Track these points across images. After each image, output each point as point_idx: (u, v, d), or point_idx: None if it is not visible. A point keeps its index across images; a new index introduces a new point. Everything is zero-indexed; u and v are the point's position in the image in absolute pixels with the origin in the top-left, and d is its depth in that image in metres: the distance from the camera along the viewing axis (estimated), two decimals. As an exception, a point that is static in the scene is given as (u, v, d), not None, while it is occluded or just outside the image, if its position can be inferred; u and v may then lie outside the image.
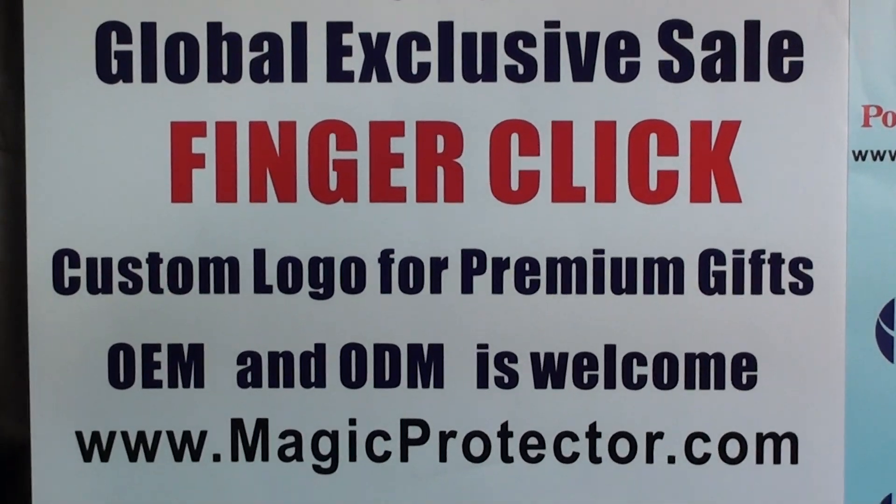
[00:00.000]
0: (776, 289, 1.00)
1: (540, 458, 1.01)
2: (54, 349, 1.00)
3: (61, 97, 0.99)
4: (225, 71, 0.99)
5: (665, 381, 1.00)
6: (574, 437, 1.01)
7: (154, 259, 1.00)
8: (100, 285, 1.00)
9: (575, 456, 1.01)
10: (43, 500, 1.00)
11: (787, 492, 1.01)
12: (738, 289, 1.00)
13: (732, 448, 1.01)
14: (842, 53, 0.99)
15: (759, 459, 1.01)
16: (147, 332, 1.00)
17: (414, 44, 0.99)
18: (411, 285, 1.01)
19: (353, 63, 0.99)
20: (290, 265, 1.01)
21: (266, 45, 0.99)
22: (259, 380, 1.00)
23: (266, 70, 0.99)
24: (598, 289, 1.01)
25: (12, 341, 1.01)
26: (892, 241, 1.01)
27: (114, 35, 0.99)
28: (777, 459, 1.00)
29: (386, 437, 1.01)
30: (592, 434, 1.01)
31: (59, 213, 0.99)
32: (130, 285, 1.00)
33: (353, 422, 1.01)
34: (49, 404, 1.00)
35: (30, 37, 0.99)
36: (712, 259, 1.00)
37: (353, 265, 1.01)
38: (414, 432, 1.01)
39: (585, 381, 1.00)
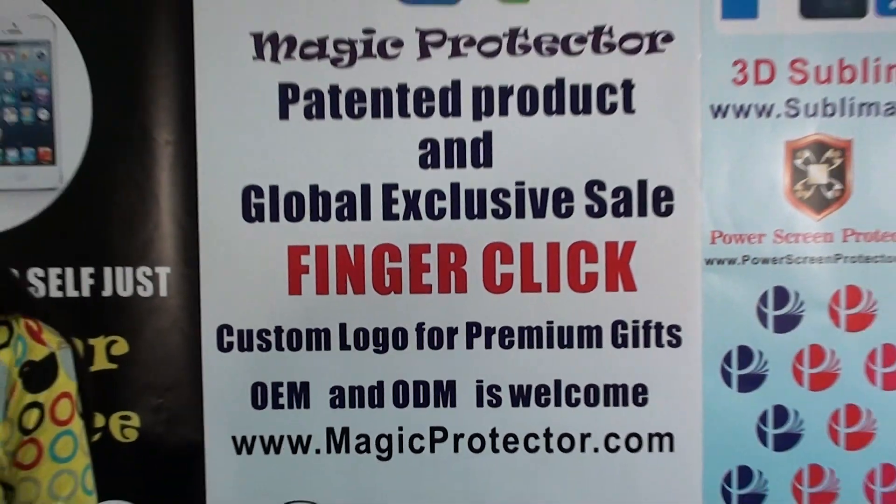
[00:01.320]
0: (659, 344, 1.63)
1: (515, 450, 1.64)
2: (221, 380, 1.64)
3: (223, 235, 1.62)
4: (320, 214, 1.63)
5: (591, 400, 1.63)
6: (536, 437, 1.64)
7: (278, 329, 1.64)
8: (246, 345, 1.64)
9: (536, 448, 1.64)
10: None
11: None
12: (635, 344, 1.63)
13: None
14: (697, 199, 1.62)
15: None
16: (275, 374, 1.64)
17: (435, 196, 1.63)
18: (435, 344, 1.64)
19: (399, 209, 1.63)
20: (361, 333, 1.64)
21: (345, 198, 1.63)
22: (343, 402, 1.64)
23: (346, 213, 1.63)
24: (550, 345, 1.64)
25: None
26: (732, 315, 1.63)
27: (252, 192, 1.63)
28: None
29: (420, 437, 1.65)
30: (547, 435, 1.64)
31: (225, 302, 1.63)
32: (264, 346, 1.64)
33: (400, 428, 1.65)
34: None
35: (203, 196, 1.62)
36: (619, 326, 1.63)
37: (399, 332, 1.64)
38: (438, 435, 1.65)
39: (542, 402, 1.64)
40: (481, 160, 1.63)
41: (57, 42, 1.61)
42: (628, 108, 1.62)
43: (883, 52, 1.61)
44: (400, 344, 1.64)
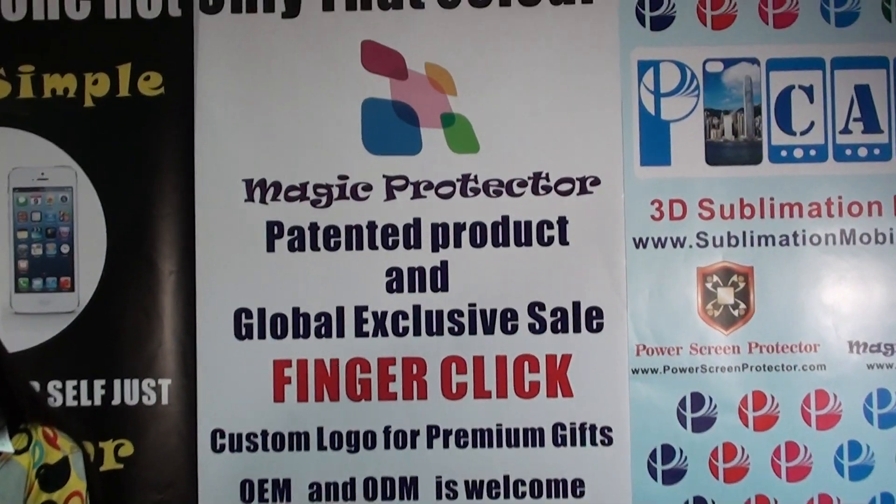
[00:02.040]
0: (593, 443, 1.89)
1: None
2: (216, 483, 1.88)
3: (217, 351, 1.89)
4: (301, 332, 1.90)
5: (536, 493, 1.88)
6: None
7: (265, 433, 1.89)
8: (236, 447, 1.89)
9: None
10: None
11: None
12: (573, 443, 1.89)
13: None
14: (623, 317, 1.90)
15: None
16: (261, 472, 1.89)
17: (400, 316, 1.90)
18: (400, 444, 1.89)
19: (369, 327, 1.90)
20: (336, 435, 1.89)
21: (323, 318, 1.90)
22: (320, 496, 1.88)
23: (323, 331, 1.90)
24: (500, 444, 1.89)
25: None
26: (656, 417, 1.89)
27: (243, 314, 1.90)
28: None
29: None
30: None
31: (219, 409, 1.88)
32: (252, 448, 1.89)
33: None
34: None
35: (200, 318, 1.89)
36: (559, 428, 1.89)
37: (369, 434, 1.89)
38: (403, 523, 1.89)
39: (493, 495, 1.88)
40: (439, 285, 1.90)
41: (78, 188, 1.90)
42: (563, 241, 1.90)
43: (776, 192, 1.90)
44: (370, 444, 1.89)
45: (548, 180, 1.91)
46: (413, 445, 1.89)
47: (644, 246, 1.91)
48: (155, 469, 1.89)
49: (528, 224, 1.91)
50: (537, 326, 1.89)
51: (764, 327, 1.90)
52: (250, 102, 1.92)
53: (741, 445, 1.89)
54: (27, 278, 1.90)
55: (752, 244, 1.91)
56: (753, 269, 1.90)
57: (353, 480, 1.89)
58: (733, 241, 1.91)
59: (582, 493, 1.88)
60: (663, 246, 1.91)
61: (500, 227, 1.91)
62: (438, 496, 1.88)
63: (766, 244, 1.90)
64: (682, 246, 1.91)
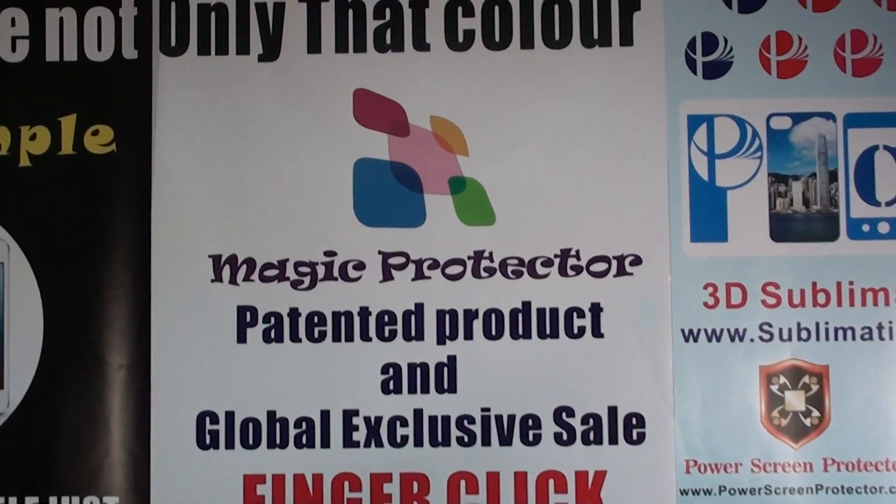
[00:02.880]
0: (633, 579, 1.55)
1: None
2: None
3: (176, 464, 1.55)
4: (278, 441, 1.56)
5: None
6: None
7: (231, 563, 1.56)
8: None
9: None
10: None
11: None
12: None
13: None
14: (670, 426, 1.56)
15: None
16: None
17: (398, 423, 1.57)
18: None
19: (359, 436, 1.56)
20: (318, 566, 1.56)
21: (304, 424, 1.57)
22: None
23: (304, 440, 1.56)
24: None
25: None
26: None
27: (207, 419, 1.57)
28: None
29: None
30: None
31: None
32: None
33: None
34: None
35: (155, 423, 1.56)
36: (592, 560, 1.55)
37: (359, 565, 1.56)
38: None
39: None
40: (446, 386, 1.57)
41: (10, 264, 1.58)
42: (597, 333, 1.57)
43: (856, 275, 1.57)
44: (358, 581, 1.56)
45: (578, 259, 1.58)
46: (413, 584, 1.56)
47: (695, 339, 1.57)
48: None
49: (555, 312, 1.58)
50: (565, 436, 1.56)
51: (842, 440, 1.56)
52: (219, 163, 1.59)
53: (814, 581, 1.55)
54: (-52, 375, 1.57)
55: (826, 338, 1.57)
56: (829, 368, 1.57)
57: None
58: (804, 335, 1.57)
59: None
60: (718, 339, 1.58)
61: (521, 316, 1.58)
62: None
63: (844, 338, 1.57)
64: (741, 340, 1.58)
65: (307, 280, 1.59)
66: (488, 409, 1.57)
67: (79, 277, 1.58)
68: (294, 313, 1.58)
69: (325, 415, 1.57)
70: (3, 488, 1.56)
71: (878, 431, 1.56)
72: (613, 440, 1.56)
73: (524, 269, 1.58)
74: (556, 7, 1.60)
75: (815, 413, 1.57)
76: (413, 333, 1.58)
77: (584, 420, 1.56)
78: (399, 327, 1.58)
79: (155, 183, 1.59)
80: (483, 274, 1.58)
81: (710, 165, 1.60)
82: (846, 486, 1.55)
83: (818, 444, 1.56)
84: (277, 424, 1.57)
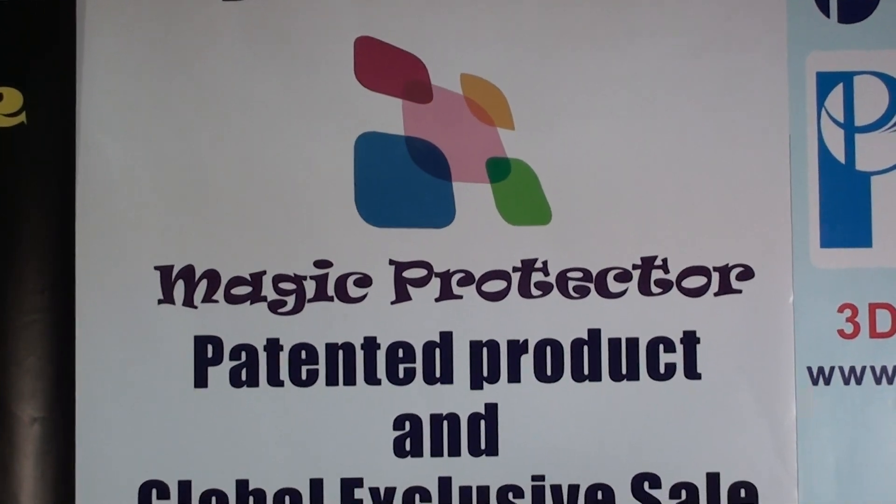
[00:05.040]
0: None
1: None
2: None
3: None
4: (251, 522, 1.14)
5: None
6: None
7: None
8: None
9: None
10: None
11: None
12: None
13: None
14: (792, 496, 1.14)
15: None
16: None
17: (417, 496, 1.15)
18: None
19: (365, 515, 1.14)
20: None
21: (287, 498, 1.14)
22: None
23: (288, 521, 1.14)
24: None
25: None
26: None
27: (154, 492, 1.14)
28: None
29: None
30: None
31: None
32: None
33: None
34: None
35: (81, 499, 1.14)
36: None
37: None
38: None
39: None
40: (483, 446, 1.15)
41: None
42: (692, 373, 1.16)
43: None
44: None
45: (666, 271, 1.16)
46: None
47: (827, 381, 1.16)
48: None
49: (634, 343, 1.16)
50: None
51: None
52: (168, 140, 1.18)
53: None
54: None
55: None
56: None
57: None
58: (977, 375, 1.15)
59: None
60: (859, 381, 1.16)
61: (587, 349, 1.16)
62: None
63: None
64: (890, 381, 1.15)
65: (291, 301, 1.17)
66: (542, 478, 1.15)
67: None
68: (273, 346, 1.17)
69: (317, 485, 1.16)
70: None
71: None
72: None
73: (591, 286, 1.16)
74: (636, -76, 1.18)
75: None
76: (438, 374, 1.16)
77: (674, 492, 1.15)
78: (419, 366, 1.16)
79: (79, 168, 1.16)
80: (535, 292, 1.17)
81: (849, 142, 1.17)
82: None
83: None
84: (251, 499, 1.15)
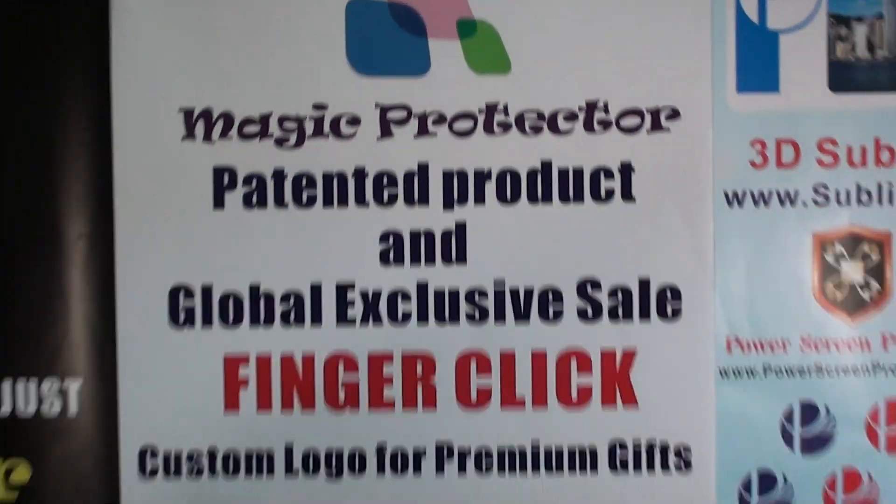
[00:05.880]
0: (664, 468, 1.38)
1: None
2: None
3: (146, 343, 1.37)
4: (262, 318, 1.38)
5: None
6: None
7: (212, 452, 1.38)
8: (173, 470, 1.38)
9: None
10: None
11: None
12: (637, 468, 1.38)
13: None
14: (709, 300, 1.38)
15: None
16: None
17: (399, 297, 1.38)
18: (399, 469, 1.39)
19: (355, 312, 1.38)
20: (310, 456, 1.39)
21: (292, 299, 1.38)
22: (289, 542, 1.38)
23: (292, 317, 1.38)
24: (536, 469, 1.38)
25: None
26: (751, 434, 1.38)
27: (181, 293, 1.38)
28: None
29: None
30: None
31: (149, 420, 1.38)
32: (195, 471, 1.38)
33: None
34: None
35: (121, 298, 1.37)
36: (619, 448, 1.38)
37: (356, 455, 1.39)
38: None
39: (526, 542, 1.38)
40: (454, 255, 1.38)
41: (-51, 119, 1.37)
42: (628, 196, 1.37)
43: (926, 129, 1.37)
44: (357, 468, 1.38)
45: (607, 112, 1.37)
46: (417, 470, 1.39)
47: (740, 203, 1.38)
48: (61, 500, 1.38)
49: (579, 172, 1.37)
50: (590, 312, 1.38)
51: (905, 315, 1.38)
52: (189, 1, 1.37)
53: (868, 472, 1.38)
54: None
55: (890, 202, 1.38)
56: (891, 235, 1.38)
57: (335, 521, 1.39)
58: (864, 198, 1.38)
59: (650, 538, 1.38)
60: (766, 203, 1.38)
61: (540, 177, 1.38)
62: (451, 542, 1.38)
63: (910, 202, 1.38)
64: (792, 203, 1.38)
65: (293, 137, 1.38)
66: (502, 282, 1.38)
67: (27, 134, 1.37)
68: (279, 175, 1.38)
69: (316, 289, 1.38)
70: (-48, 372, 1.38)
71: (944, 306, 1.38)
72: (645, 316, 1.37)
73: (544, 124, 1.38)
74: None
75: (875, 285, 1.38)
76: (416, 197, 1.38)
77: (612, 293, 1.38)
78: (400, 190, 1.38)
79: (114, 22, 1.37)
80: (496, 129, 1.38)
81: (761, 4, 1.38)
82: (907, 367, 1.38)
83: (877, 320, 1.38)
84: (262, 299, 1.38)
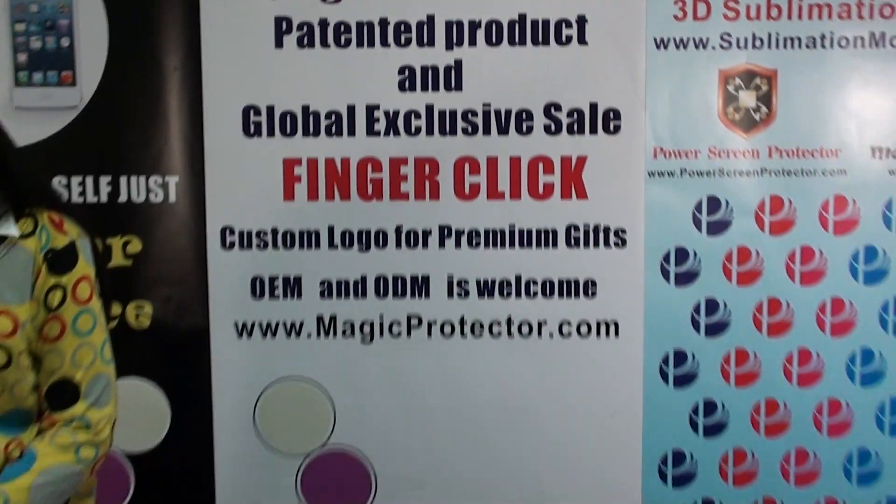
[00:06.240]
0: (606, 244, 1.87)
1: (481, 335, 1.89)
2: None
3: (225, 149, 1.85)
4: (311, 130, 1.86)
5: (547, 293, 1.88)
6: (499, 323, 1.89)
7: (275, 230, 1.87)
8: (246, 244, 1.87)
9: (499, 333, 1.89)
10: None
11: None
12: (586, 244, 1.87)
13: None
14: (641, 119, 1.86)
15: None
16: (272, 269, 1.88)
17: (412, 116, 1.86)
18: (412, 244, 1.87)
19: (380, 126, 1.86)
20: (347, 234, 1.88)
21: (333, 117, 1.86)
22: (331, 294, 1.88)
23: (333, 130, 1.86)
24: (512, 244, 1.87)
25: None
26: (671, 220, 1.87)
27: (251, 111, 1.85)
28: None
29: (398, 324, 1.89)
30: (508, 322, 1.88)
31: (228, 206, 1.86)
32: (262, 245, 1.87)
33: (381, 316, 1.89)
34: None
35: (207, 114, 1.85)
36: (572, 229, 1.87)
37: (380, 234, 1.88)
38: (414, 322, 1.89)
39: (504, 293, 1.88)
40: (453, 84, 1.85)
41: (77, -22, 1.83)
42: (582, 40, 1.84)
43: (805, -10, 1.84)
44: (381, 244, 1.88)
45: (566, -21, 1.84)
46: (425, 245, 1.88)
47: (665, 47, 1.85)
48: (164, 266, 1.88)
49: (546, 23, 1.85)
50: (553, 127, 1.86)
51: (785, 132, 1.87)
52: None
53: (755, 249, 1.88)
54: (27, 72, 1.84)
55: (777, 46, 1.85)
56: (777, 72, 1.85)
57: (364, 278, 1.88)
58: (758, 43, 1.85)
59: (594, 294, 1.88)
60: (685, 47, 1.85)
61: (517, 26, 1.85)
62: (450, 294, 1.88)
63: (792, 46, 1.85)
64: (704, 47, 1.85)
65: (335, -8, 1.85)
66: (489, 105, 1.86)
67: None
68: (323, 23, 1.85)
69: (351, 109, 1.86)
70: (82, 169, 1.85)
71: (815, 125, 1.86)
72: (594, 130, 1.85)
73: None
74: None
75: (764, 109, 1.86)
76: (425, 40, 1.85)
77: (570, 114, 1.86)
78: (413, 35, 1.85)
79: None
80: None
81: None
82: (787, 170, 1.87)
83: (765, 135, 1.86)
84: (311, 117, 1.86)
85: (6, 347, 1.18)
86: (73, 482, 1.26)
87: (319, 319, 1.89)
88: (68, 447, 1.23)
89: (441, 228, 1.88)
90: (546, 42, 1.85)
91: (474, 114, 1.86)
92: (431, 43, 1.85)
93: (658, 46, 1.85)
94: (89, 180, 1.86)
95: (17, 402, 1.23)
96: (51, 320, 1.21)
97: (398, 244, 1.88)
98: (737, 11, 1.85)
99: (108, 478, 1.67)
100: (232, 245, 1.88)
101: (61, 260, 1.21)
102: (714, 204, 1.88)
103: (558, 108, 1.86)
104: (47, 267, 1.20)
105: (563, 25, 1.85)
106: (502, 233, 1.87)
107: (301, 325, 1.89)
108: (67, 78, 1.85)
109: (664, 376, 1.90)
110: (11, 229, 1.19)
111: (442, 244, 1.88)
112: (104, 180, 1.86)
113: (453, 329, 1.89)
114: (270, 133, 1.86)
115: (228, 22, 1.84)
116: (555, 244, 1.88)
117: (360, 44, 1.85)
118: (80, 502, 1.34)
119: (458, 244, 1.88)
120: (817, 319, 1.88)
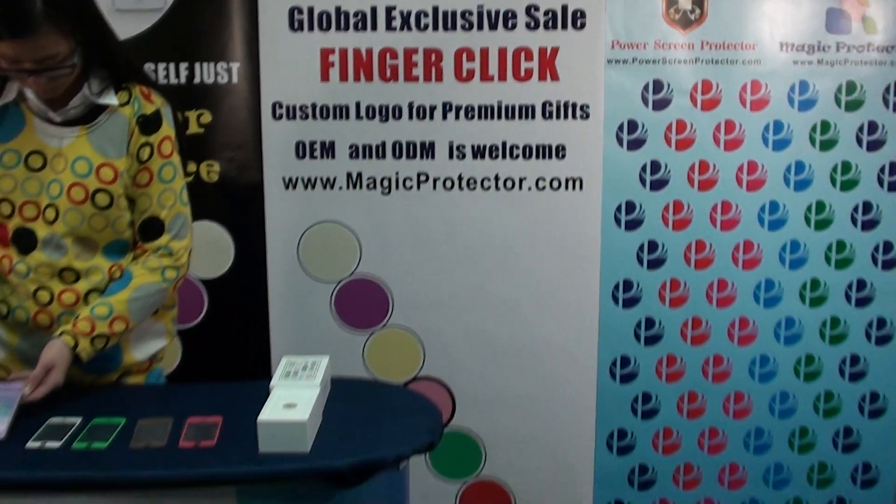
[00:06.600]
0: (574, 117, 2.39)
1: (475, 188, 2.43)
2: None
3: (275, 39, 2.36)
4: (342, 26, 2.37)
5: (527, 155, 2.40)
6: (489, 180, 2.42)
7: (314, 105, 2.39)
8: (291, 116, 2.40)
9: (489, 188, 2.42)
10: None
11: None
12: (558, 117, 2.39)
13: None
14: (602, 18, 2.35)
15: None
16: (311, 136, 2.40)
17: (422, 15, 2.36)
18: (421, 116, 2.39)
19: (397, 23, 2.36)
20: (370, 108, 2.40)
21: (360, 15, 2.36)
22: (357, 155, 2.41)
23: (360, 26, 2.37)
24: (499, 117, 2.39)
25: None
26: (624, 98, 2.38)
27: (296, 11, 2.36)
28: (573, 190, 2.42)
29: (410, 179, 2.42)
30: (496, 178, 2.41)
31: (277, 86, 2.38)
32: (304, 116, 2.40)
33: (397, 173, 2.42)
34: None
35: (262, 13, 2.36)
36: (547, 105, 2.39)
37: (396, 108, 2.39)
38: (423, 178, 2.42)
39: (493, 156, 2.40)
40: (452, -10, 2.37)
41: None
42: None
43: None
44: (397, 116, 2.40)
45: None
46: (431, 117, 2.40)
47: (620, -21, 2.35)
48: (229, 133, 2.41)
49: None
50: (532, 24, 2.36)
51: (715, 29, 2.36)
52: None
53: (690, 121, 2.39)
54: (124, -20, 2.35)
55: (705, -41, 2.35)
56: (704, -20, 2.36)
57: (383, 143, 2.41)
58: (694, -44, 2.35)
59: (563, 156, 2.40)
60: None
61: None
62: (450, 156, 2.41)
63: (721, -41, 2.35)
64: None
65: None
66: (482, 6, 2.35)
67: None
68: (352, -60, 2.35)
69: (374, 9, 2.36)
70: (166, 58, 2.36)
71: (739, 24, 2.36)
72: (564, 27, 2.36)
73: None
74: None
75: (698, 11, 2.36)
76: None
77: (546, 13, 2.35)
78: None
79: None
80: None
81: None
82: (715, 59, 2.37)
83: (699, 32, 2.36)
84: (342, 16, 2.36)
85: (109, 191, 1.54)
86: (160, 297, 1.63)
87: (349, 175, 2.42)
88: (156, 269, 1.60)
89: (444, 104, 2.39)
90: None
91: (471, 13, 2.36)
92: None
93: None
94: (171, 66, 2.38)
95: (117, 235, 1.61)
96: (142, 170, 1.56)
97: (410, 116, 2.40)
98: (676, -65, 2.35)
99: (186, 297, 2.26)
100: (281, 116, 2.40)
101: (149, 123, 1.57)
102: (658, 86, 2.38)
103: (537, 8, 2.35)
104: (139, 128, 1.55)
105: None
106: (492, 108, 2.39)
107: (334, 179, 2.42)
108: (158, -16, 2.36)
109: (618, 221, 2.44)
110: (112, 99, 1.56)
111: (444, 117, 2.40)
112: (182, 66, 2.38)
113: (453, 184, 2.42)
114: (311, 28, 2.37)
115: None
116: (533, 116, 2.39)
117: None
118: (166, 312, 1.76)
119: (457, 117, 2.40)
120: (736, 178, 2.41)
